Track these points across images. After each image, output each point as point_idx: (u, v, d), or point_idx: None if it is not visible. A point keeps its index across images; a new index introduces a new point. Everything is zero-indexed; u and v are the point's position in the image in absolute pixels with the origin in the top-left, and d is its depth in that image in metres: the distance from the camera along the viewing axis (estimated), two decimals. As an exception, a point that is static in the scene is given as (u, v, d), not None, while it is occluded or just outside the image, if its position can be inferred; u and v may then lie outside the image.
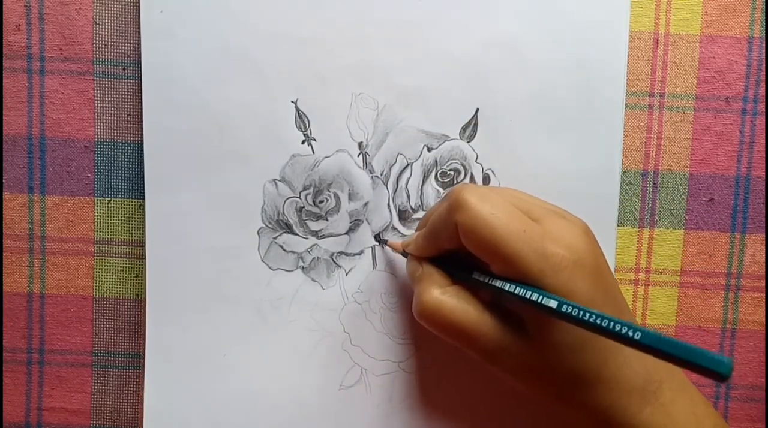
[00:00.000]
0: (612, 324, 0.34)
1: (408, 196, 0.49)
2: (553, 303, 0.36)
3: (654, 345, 0.32)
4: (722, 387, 0.51)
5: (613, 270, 0.49)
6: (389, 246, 0.49)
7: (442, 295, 0.41)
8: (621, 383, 0.39)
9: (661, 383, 0.40)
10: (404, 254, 0.47)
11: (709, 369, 0.31)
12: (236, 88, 0.48)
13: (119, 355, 0.51)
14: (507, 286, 0.38)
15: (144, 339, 0.50)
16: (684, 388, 0.41)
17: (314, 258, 0.49)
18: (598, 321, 0.34)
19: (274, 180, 0.49)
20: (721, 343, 0.51)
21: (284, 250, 0.49)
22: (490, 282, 0.40)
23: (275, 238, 0.49)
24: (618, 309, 0.40)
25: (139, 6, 0.48)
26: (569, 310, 0.35)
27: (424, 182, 0.49)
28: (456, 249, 0.41)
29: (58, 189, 0.50)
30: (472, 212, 0.38)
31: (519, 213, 0.39)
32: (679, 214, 0.51)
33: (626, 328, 0.33)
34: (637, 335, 0.33)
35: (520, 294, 0.38)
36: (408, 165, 0.49)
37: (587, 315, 0.35)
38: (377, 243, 0.50)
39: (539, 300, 0.37)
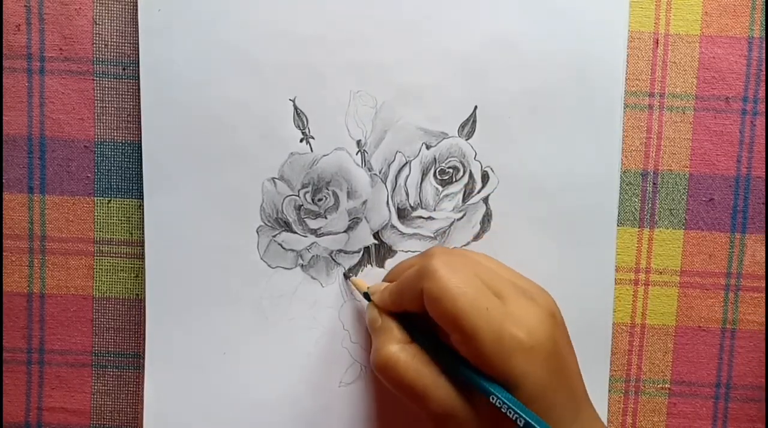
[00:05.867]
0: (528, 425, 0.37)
1: (407, 194, 0.49)
2: (489, 390, 0.39)
3: None
4: (722, 387, 0.51)
5: (613, 270, 0.49)
6: (353, 283, 0.50)
7: (400, 352, 0.42)
8: None
9: None
10: (366, 296, 0.47)
11: None
12: (234, 87, 0.48)
13: (119, 355, 0.51)
14: (457, 365, 0.41)
15: (144, 339, 0.50)
16: None
17: (313, 256, 0.50)
18: (518, 422, 0.38)
19: (273, 178, 0.49)
20: (720, 343, 0.51)
21: (283, 248, 0.49)
22: (443, 353, 0.42)
23: (274, 236, 0.49)
24: (572, 396, 0.41)
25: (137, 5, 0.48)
26: (498, 403, 0.38)
27: (422, 180, 0.49)
28: (418, 312, 0.43)
29: (58, 189, 0.50)
30: (440, 282, 0.40)
31: (485, 290, 0.41)
32: (679, 213, 0.51)
33: None
34: None
35: (467, 374, 0.40)
36: (407, 163, 0.49)
37: (511, 412, 0.38)
38: (345, 279, 0.50)
39: (481, 384, 0.39)
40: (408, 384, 0.41)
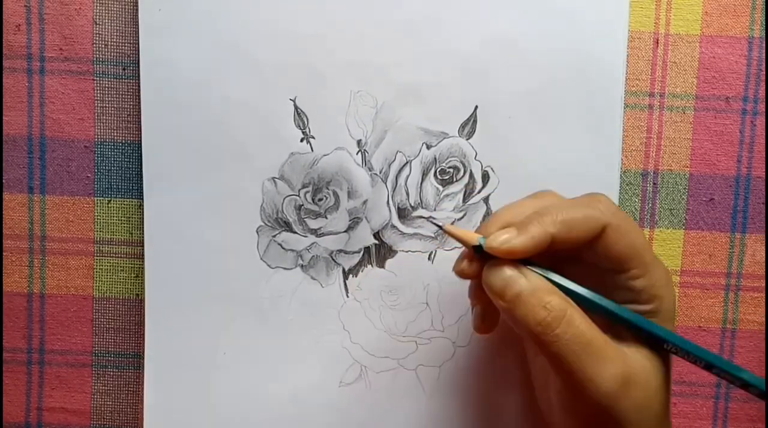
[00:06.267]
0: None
1: (407, 194, 0.49)
2: (665, 338, 0.39)
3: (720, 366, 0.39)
4: (722, 386, 0.51)
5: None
6: (449, 232, 0.39)
7: (581, 318, 0.37)
8: None
9: None
10: (478, 250, 0.38)
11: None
12: (235, 86, 0.48)
13: (119, 355, 0.51)
14: (624, 316, 0.39)
15: (144, 339, 0.50)
16: None
17: (313, 256, 0.49)
18: (699, 364, 0.39)
19: (273, 178, 0.49)
20: (721, 343, 0.51)
21: (283, 249, 0.49)
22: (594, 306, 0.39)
23: (274, 237, 0.49)
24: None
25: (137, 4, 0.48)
26: (674, 349, 0.39)
27: (423, 180, 0.49)
28: (553, 254, 0.39)
29: (58, 189, 0.50)
30: (628, 218, 0.39)
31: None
32: (679, 214, 0.50)
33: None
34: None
35: (641, 322, 0.39)
36: (407, 162, 0.49)
37: (690, 356, 0.39)
38: (439, 228, 0.42)
39: (657, 331, 0.39)
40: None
